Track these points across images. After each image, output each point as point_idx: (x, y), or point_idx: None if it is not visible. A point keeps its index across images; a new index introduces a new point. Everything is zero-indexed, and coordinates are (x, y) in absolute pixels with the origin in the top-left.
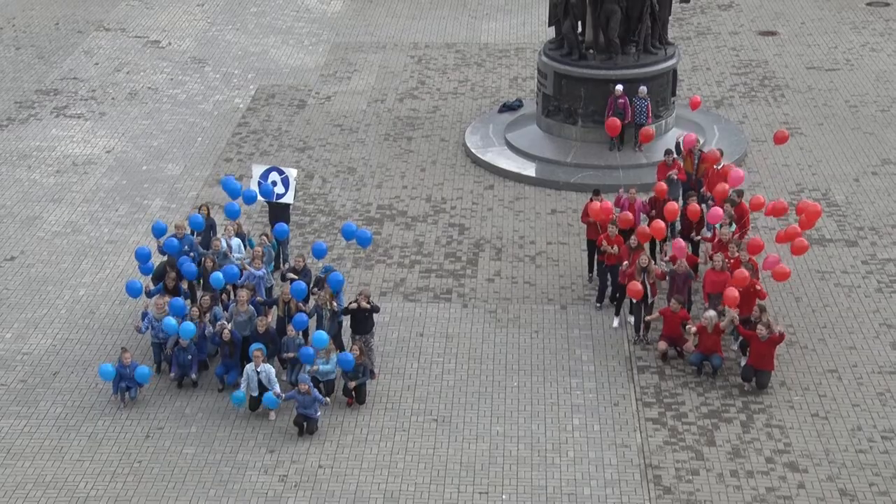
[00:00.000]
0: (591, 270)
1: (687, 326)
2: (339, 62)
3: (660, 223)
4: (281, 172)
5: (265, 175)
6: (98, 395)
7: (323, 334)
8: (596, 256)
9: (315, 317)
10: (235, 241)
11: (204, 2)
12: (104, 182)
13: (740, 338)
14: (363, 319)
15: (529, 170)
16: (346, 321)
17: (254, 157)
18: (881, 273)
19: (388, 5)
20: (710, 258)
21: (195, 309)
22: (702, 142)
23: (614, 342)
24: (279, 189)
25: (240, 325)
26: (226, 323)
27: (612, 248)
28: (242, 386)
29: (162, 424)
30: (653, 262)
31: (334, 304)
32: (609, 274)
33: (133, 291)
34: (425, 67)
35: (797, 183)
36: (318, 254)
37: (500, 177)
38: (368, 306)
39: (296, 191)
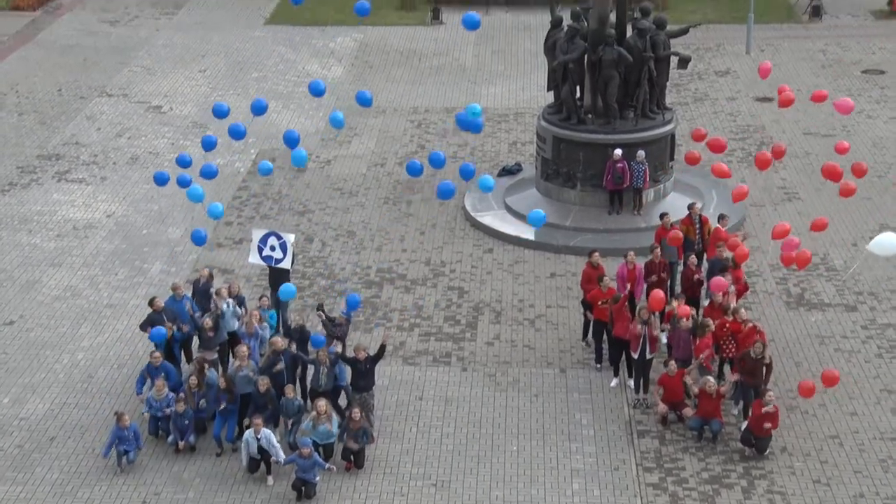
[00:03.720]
0: (585, 335)
1: (689, 383)
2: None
3: (659, 293)
4: (279, 238)
5: (264, 240)
6: (95, 460)
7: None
8: (591, 316)
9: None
10: (230, 303)
11: (206, 68)
12: (104, 246)
13: (741, 402)
14: (363, 373)
15: (528, 233)
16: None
17: (254, 221)
18: (881, 338)
19: (388, 71)
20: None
21: (193, 379)
22: (700, 205)
23: (614, 406)
24: (277, 254)
25: (241, 381)
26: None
27: (613, 299)
28: (242, 451)
29: (159, 490)
30: (653, 316)
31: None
32: (605, 332)
33: (158, 337)
34: (425, 132)
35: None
36: (353, 305)
37: (500, 240)
38: (367, 355)
39: (294, 255)
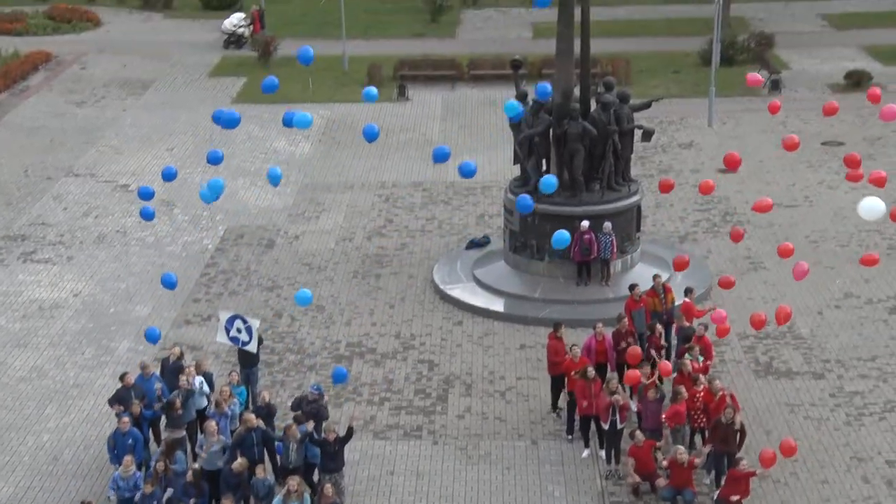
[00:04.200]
0: (554, 408)
1: (658, 458)
2: (307, 202)
3: (636, 349)
4: (245, 321)
5: (231, 321)
6: None
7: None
8: (565, 387)
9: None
10: (199, 380)
11: (174, 146)
12: (71, 326)
13: (713, 471)
14: (332, 455)
15: (498, 305)
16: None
17: (222, 298)
18: (849, 406)
19: (355, 147)
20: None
21: (160, 464)
22: (667, 276)
23: (586, 477)
24: (244, 336)
25: (212, 455)
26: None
27: (582, 372)
28: None
29: None
30: (621, 388)
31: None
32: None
33: (153, 338)
34: (393, 206)
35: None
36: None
37: (469, 313)
38: (336, 436)
39: (261, 339)
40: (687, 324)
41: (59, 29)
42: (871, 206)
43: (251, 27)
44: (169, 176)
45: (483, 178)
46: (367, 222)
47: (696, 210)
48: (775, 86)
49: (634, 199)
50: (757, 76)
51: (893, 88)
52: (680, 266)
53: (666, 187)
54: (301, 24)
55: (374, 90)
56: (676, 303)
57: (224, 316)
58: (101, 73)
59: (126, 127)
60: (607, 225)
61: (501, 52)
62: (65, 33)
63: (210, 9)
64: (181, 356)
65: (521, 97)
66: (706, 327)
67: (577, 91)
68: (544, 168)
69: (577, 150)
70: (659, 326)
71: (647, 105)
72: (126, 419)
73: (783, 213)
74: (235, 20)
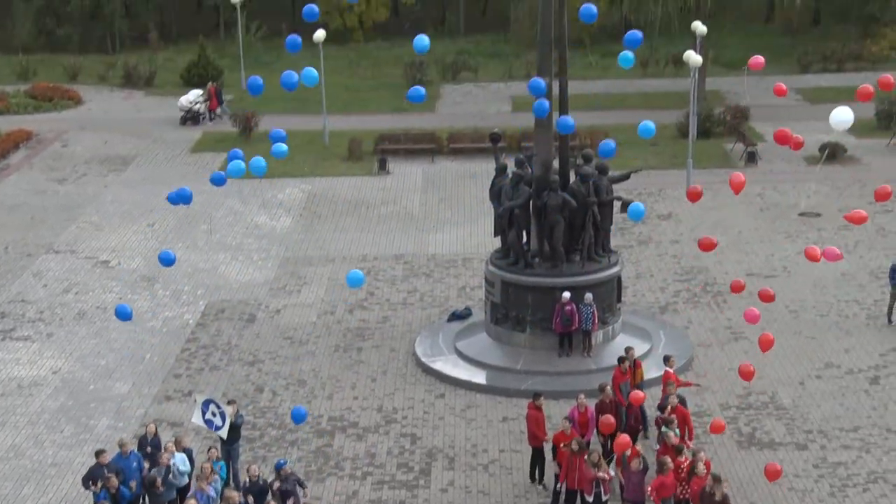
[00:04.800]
0: (532, 479)
1: None
2: (288, 276)
3: (609, 418)
4: (219, 406)
5: (206, 404)
6: None
7: None
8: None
9: None
10: (179, 457)
11: (154, 221)
12: (49, 404)
13: None
14: None
15: (480, 377)
16: None
17: (203, 373)
18: (833, 477)
19: (336, 220)
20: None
21: None
22: (646, 349)
23: None
24: (217, 421)
25: None
26: None
27: (570, 445)
28: None
29: None
30: (603, 461)
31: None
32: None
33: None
34: (374, 279)
35: (744, 387)
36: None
37: (451, 385)
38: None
39: (237, 424)
40: (671, 393)
41: (40, 107)
42: (841, 117)
43: (208, 103)
44: (167, 261)
45: (464, 251)
46: (348, 295)
47: (677, 281)
48: (751, 158)
49: (615, 269)
50: (759, 59)
51: (867, 160)
52: (694, 196)
53: (694, 196)
54: (282, 99)
55: (421, 90)
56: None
57: (200, 398)
58: (82, 150)
59: (107, 203)
60: (588, 296)
61: (481, 125)
62: (46, 111)
63: (191, 85)
64: (156, 433)
65: (501, 170)
66: (682, 399)
67: (556, 163)
68: (525, 240)
69: (557, 221)
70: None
71: (626, 177)
72: (114, 480)
73: (762, 284)
74: (192, 97)
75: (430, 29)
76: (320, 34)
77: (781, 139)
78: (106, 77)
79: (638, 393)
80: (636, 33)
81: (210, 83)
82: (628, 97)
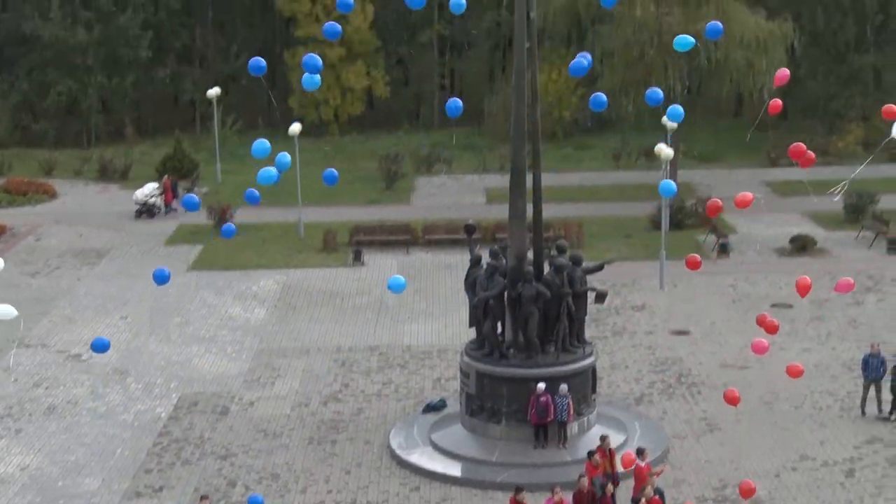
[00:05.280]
0: None
1: None
2: (262, 368)
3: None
4: None
5: None
6: None
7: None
8: None
9: None
10: None
11: (127, 314)
12: (17, 501)
13: None
14: None
15: (455, 470)
16: None
17: (175, 468)
18: None
19: (311, 311)
20: None
21: None
22: (622, 440)
23: None
24: None
25: None
26: None
27: None
28: None
29: None
30: None
31: None
32: None
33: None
34: (349, 370)
35: (720, 479)
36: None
37: (426, 478)
38: None
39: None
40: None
41: (14, 202)
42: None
43: (163, 196)
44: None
45: (439, 342)
46: (322, 387)
47: (651, 371)
48: (724, 249)
49: (589, 360)
50: (785, 72)
51: (837, 253)
52: (713, 211)
53: (713, 210)
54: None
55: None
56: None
57: None
58: (56, 243)
59: (80, 296)
60: (563, 387)
61: (455, 217)
62: (21, 206)
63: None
64: None
65: (476, 261)
66: (660, 492)
67: (530, 254)
68: (500, 331)
69: (532, 312)
70: (610, 486)
71: (600, 268)
72: None
73: (736, 375)
74: (148, 190)
75: (405, 123)
76: (296, 127)
77: (796, 154)
78: (81, 171)
79: (629, 454)
80: (600, 96)
81: (165, 176)
82: (601, 189)
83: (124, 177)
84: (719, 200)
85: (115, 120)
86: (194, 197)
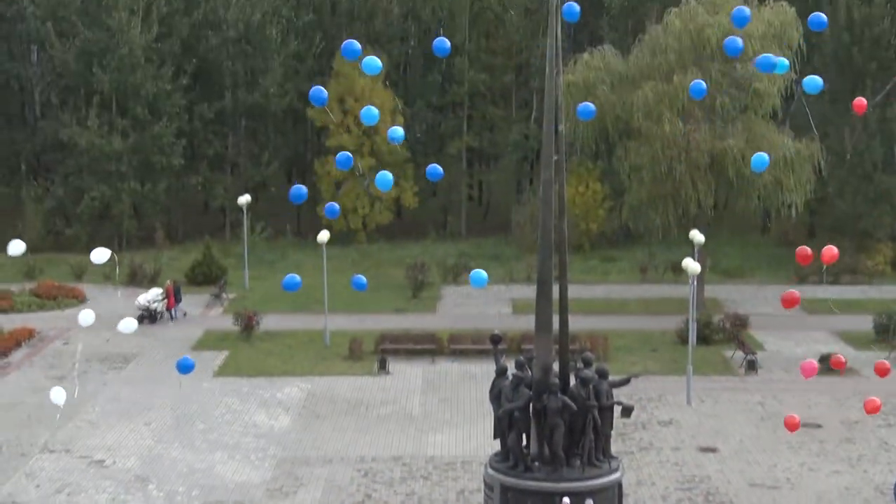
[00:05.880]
0: None
1: None
2: (285, 476)
3: None
4: None
5: None
6: None
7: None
8: None
9: None
10: None
11: (151, 420)
12: None
13: None
14: None
15: None
16: None
17: None
18: None
19: (334, 420)
20: None
21: None
22: None
23: None
24: None
25: None
26: None
27: None
28: None
29: None
30: None
31: None
32: None
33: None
34: (372, 481)
35: None
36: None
37: None
38: None
39: None
40: None
41: (44, 306)
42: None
43: (165, 302)
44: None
45: (463, 453)
46: (345, 497)
47: (679, 489)
48: (751, 366)
49: (616, 475)
50: (862, 102)
51: (867, 373)
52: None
53: (790, 303)
54: (283, 299)
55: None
56: None
57: None
58: (83, 348)
59: (105, 402)
60: (589, 502)
61: (481, 327)
62: (50, 310)
63: (195, 284)
64: None
65: (501, 372)
66: None
67: (556, 366)
68: (525, 443)
69: (557, 424)
70: None
71: (626, 381)
72: None
73: (765, 495)
74: (151, 296)
75: (433, 232)
76: (324, 235)
77: (802, 258)
78: (111, 276)
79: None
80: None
81: (168, 282)
82: (628, 303)
83: (153, 282)
84: (795, 293)
85: (147, 225)
86: (335, 206)
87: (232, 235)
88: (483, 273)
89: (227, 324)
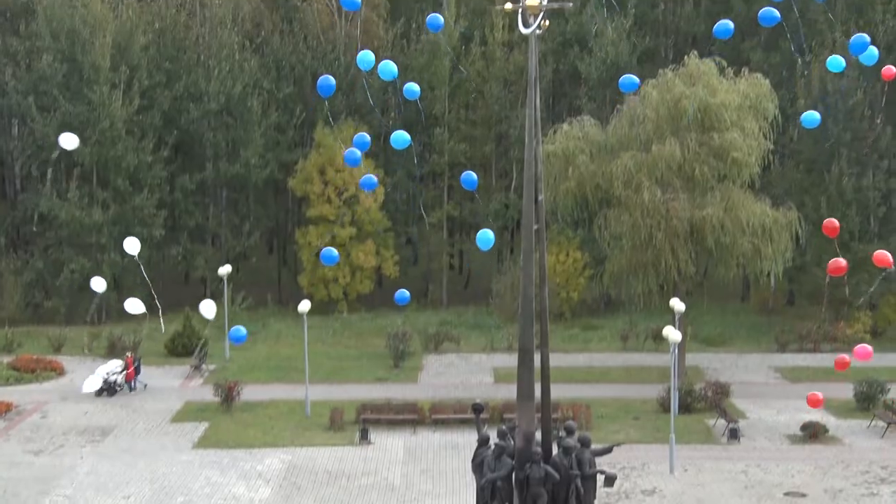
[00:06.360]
0: None
1: None
2: None
3: None
4: None
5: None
6: None
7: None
8: None
9: None
10: None
11: (130, 494)
12: None
13: None
14: None
15: None
16: None
17: None
18: None
19: (315, 491)
20: None
21: None
22: None
23: None
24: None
25: None
26: None
27: None
28: None
29: None
30: None
31: None
32: None
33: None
34: None
35: None
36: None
37: None
38: None
39: None
40: None
41: (22, 379)
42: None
43: (124, 373)
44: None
45: None
46: None
47: None
48: (733, 434)
49: None
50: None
51: (850, 441)
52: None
53: (842, 365)
54: (264, 369)
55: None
56: None
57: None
58: (61, 420)
59: (82, 475)
60: None
61: (463, 396)
62: (28, 383)
63: (174, 355)
64: None
65: (483, 441)
66: None
67: (538, 435)
68: None
69: (540, 494)
70: None
71: (609, 450)
72: None
73: None
74: (110, 367)
75: (414, 301)
76: (305, 305)
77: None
78: (90, 348)
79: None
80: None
81: (127, 354)
82: (610, 371)
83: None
84: (842, 260)
85: (126, 297)
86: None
87: None
88: (490, 233)
89: (208, 395)
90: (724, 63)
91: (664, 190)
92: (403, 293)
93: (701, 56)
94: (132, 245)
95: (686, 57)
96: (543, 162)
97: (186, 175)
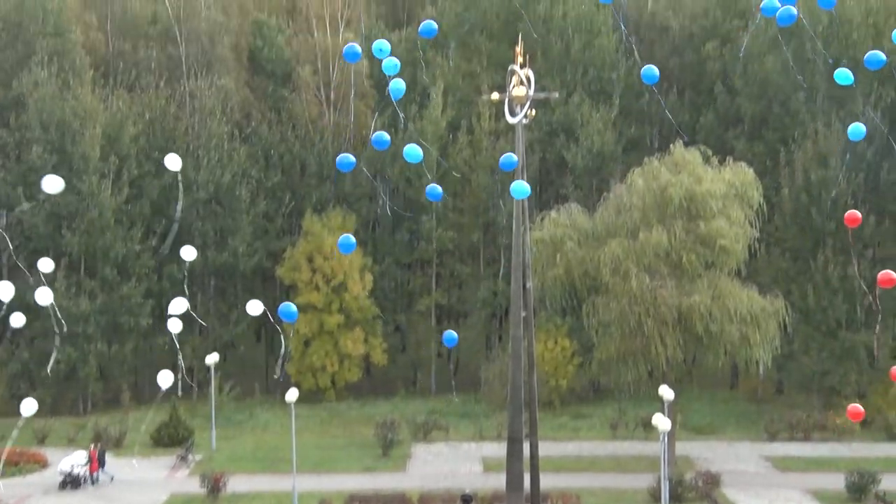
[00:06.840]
0: None
1: None
2: None
3: None
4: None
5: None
6: None
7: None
8: None
9: None
10: None
11: None
12: None
13: None
14: None
15: None
16: None
17: None
18: None
19: None
20: None
21: None
22: None
23: None
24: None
25: None
26: None
27: None
28: None
29: None
30: None
31: None
32: None
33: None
34: None
35: None
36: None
37: None
38: None
39: None
40: None
41: (5, 473)
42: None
43: (88, 466)
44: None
45: None
46: None
47: None
48: None
49: None
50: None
51: None
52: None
53: (856, 416)
54: (251, 459)
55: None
56: None
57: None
58: None
59: None
60: None
61: (452, 486)
62: (11, 476)
63: (161, 445)
64: None
65: None
66: None
67: None
68: None
69: None
70: None
71: None
72: None
73: None
74: (74, 459)
75: (402, 389)
76: (292, 394)
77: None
78: (75, 439)
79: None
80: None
81: (91, 445)
82: (599, 460)
83: (118, 444)
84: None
85: (113, 387)
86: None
87: (199, 395)
88: (524, 184)
89: (194, 486)
90: (710, 152)
91: (652, 277)
92: (451, 334)
93: (686, 145)
94: (189, 253)
95: (671, 145)
96: (531, 249)
97: (174, 264)
